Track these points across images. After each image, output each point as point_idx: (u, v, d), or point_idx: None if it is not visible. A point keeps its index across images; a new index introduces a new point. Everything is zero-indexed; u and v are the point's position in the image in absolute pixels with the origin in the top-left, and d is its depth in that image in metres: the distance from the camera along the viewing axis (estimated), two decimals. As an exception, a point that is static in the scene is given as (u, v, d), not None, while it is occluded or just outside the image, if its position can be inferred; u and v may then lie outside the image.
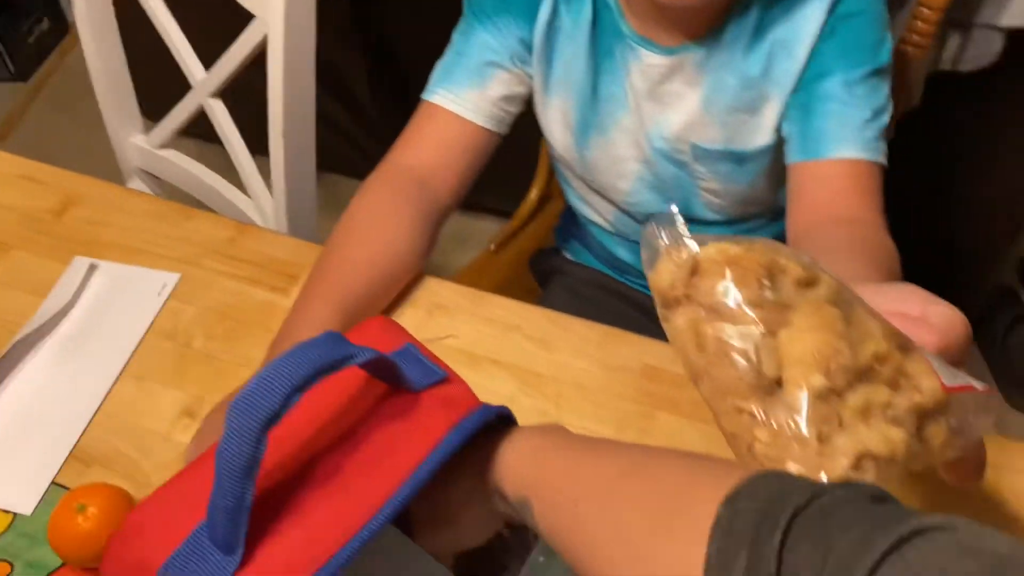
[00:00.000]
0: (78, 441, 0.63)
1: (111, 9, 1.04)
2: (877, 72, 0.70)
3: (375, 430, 0.39)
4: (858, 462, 0.34)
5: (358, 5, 1.37)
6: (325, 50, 1.45)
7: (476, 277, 1.15)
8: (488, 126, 0.77)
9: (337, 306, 0.65)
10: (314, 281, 0.67)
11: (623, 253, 0.92)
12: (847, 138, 0.68)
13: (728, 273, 0.35)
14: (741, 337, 0.34)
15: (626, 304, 0.95)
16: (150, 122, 1.15)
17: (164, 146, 1.13)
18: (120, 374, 0.67)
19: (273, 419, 0.33)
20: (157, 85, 1.17)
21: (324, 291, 0.66)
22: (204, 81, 0.99)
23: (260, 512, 0.35)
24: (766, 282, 0.35)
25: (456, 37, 0.78)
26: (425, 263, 0.74)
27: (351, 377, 0.40)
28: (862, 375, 0.35)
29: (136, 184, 1.17)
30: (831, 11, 0.68)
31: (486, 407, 0.42)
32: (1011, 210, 1.33)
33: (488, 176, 1.21)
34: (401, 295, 0.72)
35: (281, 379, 0.33)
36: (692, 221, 0.83)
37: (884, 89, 0.70)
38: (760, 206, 0.83)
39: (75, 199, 0.80)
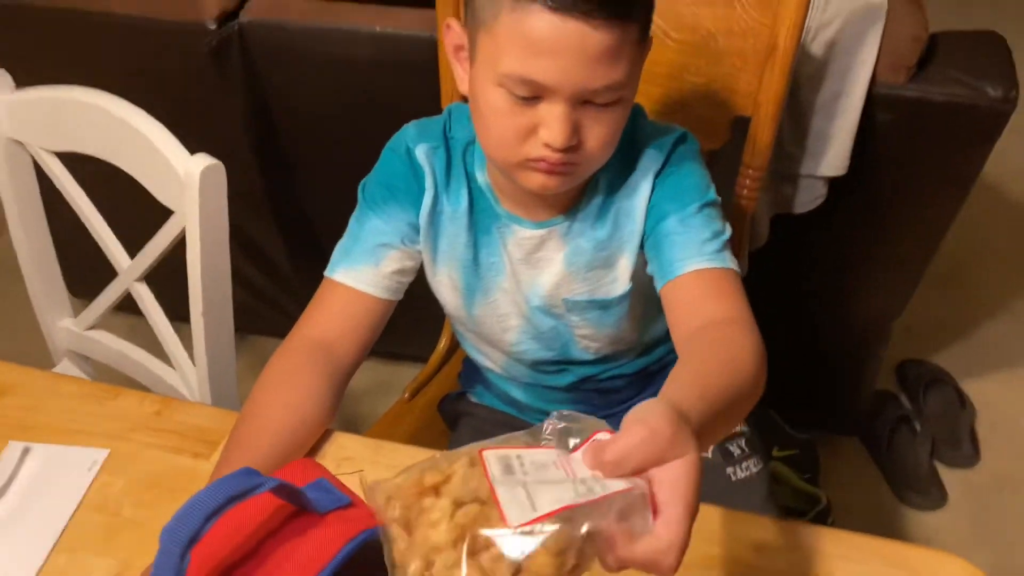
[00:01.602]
0: (14, 615, 0.69)
1: (39, 202, 1.14)
2: (706, 205, 0.82)
3: (280, 545, 0.48)
4: None
5: (269, 180, 1.50)
6: (243, 221, 1.58)
7: (393, 424, 1.23)
8: (384, 296, 0.88)
9: (254, 467, 0.73)
10: (229, 449, 0.76)
11: (517, 393, 1.03)
12: (692, 255, 0.79)
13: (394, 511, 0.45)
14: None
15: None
16: (78, 300, 1.24)
17: (93, 327, 1.21)
18: (53, 548, 0.73)
19: (194, 538, 0.42)
20: (83, 265, 1.26)
21: (238, 458, 0.74)
22: (129, 268, 1.09)
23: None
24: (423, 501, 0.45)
25: (352, 223, 0.90)
26: (333, 420, 0.83)
27: (267, 504, 0.49)
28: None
29: (65, 365, 1.24)
30: (656, 176, 0.83)
31: (380, 525, 0.51)
32: (876, 320, 1.49)
33: (406, 326, 1.33)
34: (312, 450, 0.80)
35: (200, 506, 0.42)
36: (572, 363, 0.96)
37: (717, 218, 0.83)
38: (628, 343, 0.96)
39: (7, 388, 0.88)
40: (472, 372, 1.11)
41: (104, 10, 1.32)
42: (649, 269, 0.85)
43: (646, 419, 0.48)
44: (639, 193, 0.83)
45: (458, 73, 0.79)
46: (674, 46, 1.03)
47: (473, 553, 0.43)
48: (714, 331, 0.73)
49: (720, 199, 0.85)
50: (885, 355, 1.68)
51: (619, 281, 0.87)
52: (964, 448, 1.69)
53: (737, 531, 0.73)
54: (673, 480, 0.46)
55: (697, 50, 1.02)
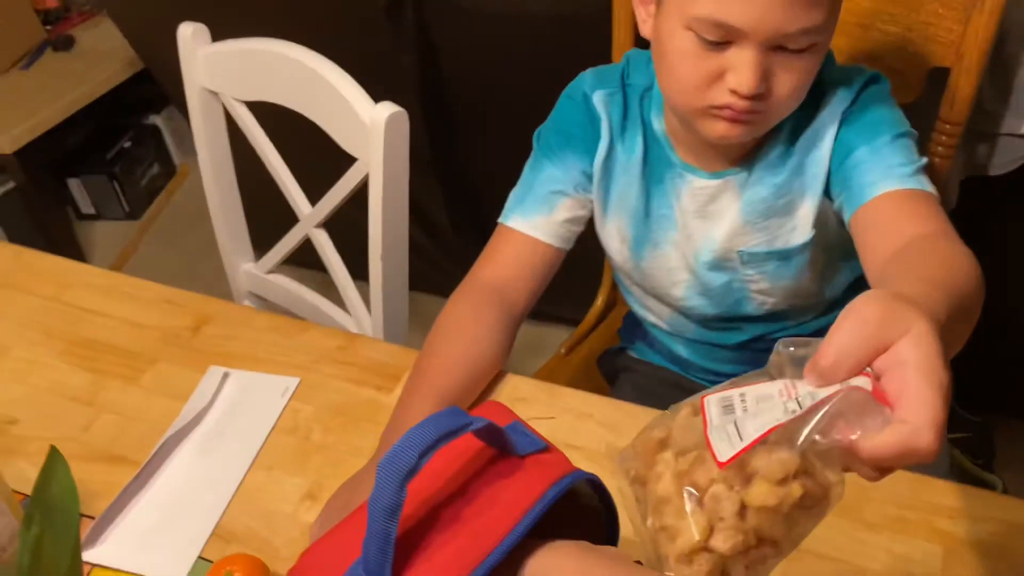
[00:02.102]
0: (219, 522, 0.74)
1: (229, 150, 1.22)
2: (899, 136, 0.77)
3: (488, 486, 0.49)
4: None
5: (435, 137, 1.54)
6: (411, 186, 1.63)
7: (548, 378, 1.24)
8: (556, 244, 0.89)
9: (435, 400, 0.76)
10: (414, 380, 0.79)
11: (681, 350, 1.01)
12: (884, 178, 0.74)
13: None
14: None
15: (688, 395, 1.03)
16: (257, 250, 1.31)
17: (271, 272, 1.29)
18: (251, 465, 0.79)
19: (411, 473, 0.44)
20: (265, 213, 1.34)
21: (423, 388, 0.77)
22: (311, 214, 1.14)
23: (400, 550, 0.45)
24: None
25: (527, 170, 0.91)
26: (506, 361, 0.85)
27: (470, 444, 0.50)
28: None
29: (247, 305, 1.32)
30: (844, 115, 0.79)
31: (579, 471, 0.51)
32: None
33: (559, 288, 1.33)
34: (486, 390, 0.82)
35: (416, 442, 0.44)
36: (744, 319, 0.93)
37: (911, 147, 0.77)
38: (808, 298, 0.92)
39: (207, 318, 0.94)
40: (634, 328, 1.10)
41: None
42: (836, 206, 0.81)
43: (850, 309, 0.43)
44: (825, 135, 0.80)
45: (640, 15, 0.78)
46: (871, -11, 0.98)
47: (697, 499, 0.42)
48: (920, 244, 0.66)
49: (917, 133, 0.79)
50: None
51: (800, 228, 0.84)
52: None
53: (928, 497, 0.69)
54: (902, 361, 0.40)
55: (894, -3, 0.97)
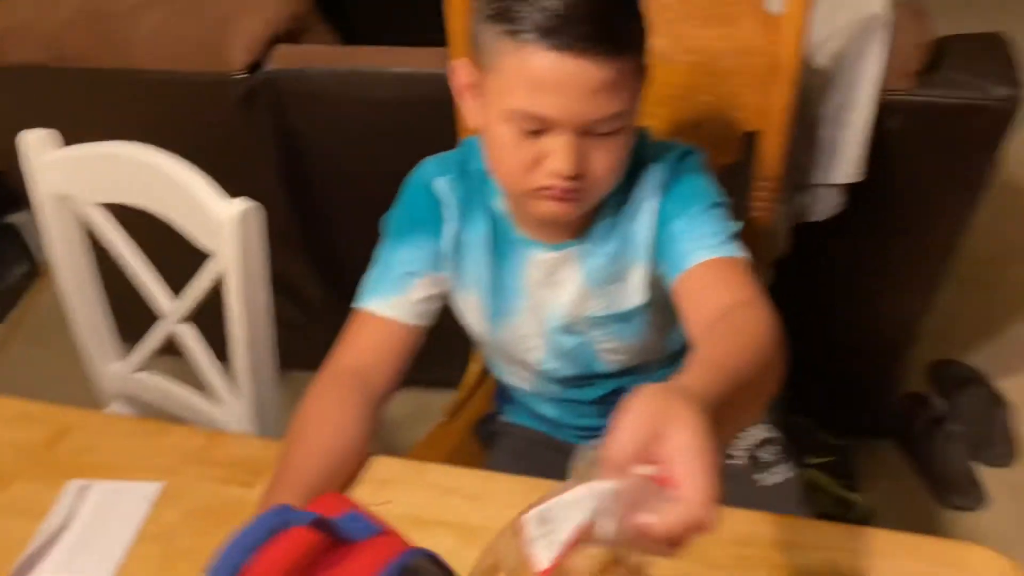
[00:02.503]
0: (82, 642, 0.73)
1: (87, 253, 1.20)
2: (712, 206, 0.85)
3: (323, 573, 0.51)
4: None
5: (301, 219, 1.56)
6: (277, 261, 1.63)
7: (432, 447, 1.27)
8: (413, 323, 0.92)
9: (298, 492, 0.77)
10: (279, 473, 0.80)
11: (548, 411, 1.06)
12: (699, 247, 0.82)
13: None
14: None
15: (559, 455, 1.07)
16: (125, 344, 1.29)
17: (140, 369, 1.27)
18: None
19: (236, 573, 0.46)
20: (129, 311, 1.32)
21: (286, 480, 0.78)
22: (172, 311, 1.14)
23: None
24: None
25: (379, 254, 0.94)
26: (372, 445, 0.87)
27: (303, 538, 0.52)
28: None
29: (116, 407, 1.29)
30: (663, 188, 0.86)
31: (412, 550, 0.54)
32: (902, 321, 1.50)
33: (442, 353, 1.36)
34: (351, 475, 0.84)
35: (239, 542, 0.46)
36: (597, 377, 0.99)
37: (724, 215, 0.85)
38: (653, 353, 0.98)
39: (65, 429, 0.93)
40: (504, 392, 1.14)
41: (136, 67, 1.39)
42: (659, 270, 0.88)
43: (626, 406, 0.49)
44: (646, 207, 0.87)
45: (466, 109, 0.84)
46: (683, 67, 1.07)
47: None
48: (727, 317, 0.73)
49: (729, 201, 0.87)
50: (915, 356, 1.68)
51: (635, 292, 0.90)
52: (1000, 446, 1.69)
53: (768, 532, 0.75)
54: (677, 446, 0.47)
55: (705, 70, 1.06)
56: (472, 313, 0.96)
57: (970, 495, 1.61)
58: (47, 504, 0.84)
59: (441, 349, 1.49)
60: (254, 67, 1.35)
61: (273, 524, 0.47)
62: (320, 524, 0.51)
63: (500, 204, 0.91)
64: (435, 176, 0.92)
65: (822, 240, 1.30)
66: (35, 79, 1.45)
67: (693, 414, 0.48)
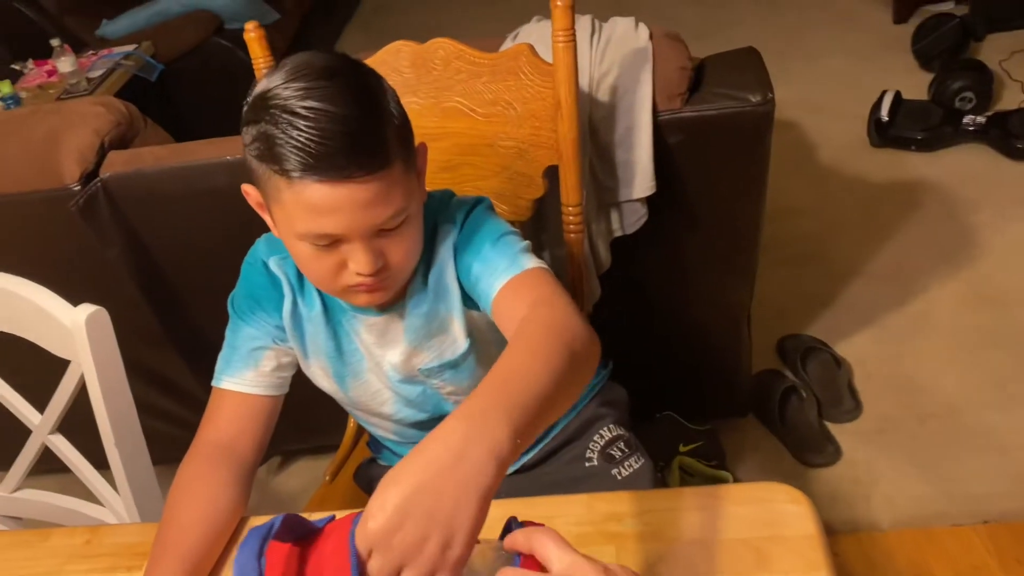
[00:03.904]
0: None
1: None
2: (498, 238, 0.92)
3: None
4: None
5: (162, 313, 1.60)
6: (146, 356, 1.66)
7: (320, 507, 1.33)
8: (269, 393, 0.99)
9: (178, 565, 0.83)
10: (157, 549, 0.85)
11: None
12: (495, 280, 0.89)
13: None
14: None
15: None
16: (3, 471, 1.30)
17: (19, 488, 1.28)
18: None
19: None
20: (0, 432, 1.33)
21: (166, 556, 0.84)
22: (41, 422, 1.17)
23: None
24: None
25: (228, 334, 1.01)
26: (245, 510, 0.93)
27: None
28: None
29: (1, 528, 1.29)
30: (455, 244, 0.95)
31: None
32: (731, 309, 1.65)
33: (325, 418, 1.42)
34: (230, 541, 0.90)
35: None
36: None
37: (511, 240, 0.92)
38: None
39: (-55, 555, 0.95)
40: (376, 442, 1.22)
41: (-29, 195, 1.41)
42: (471, 308, 0.97)
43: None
44: (447, 265, 0.95)
45: (268, 221, 0.89)
46: (482, 120, 1.20)
47: None
48: (523, 324, 0.79)
49: (517, 230, 0.95)
50: (761, 338, 1.86)
51: (458, 340, 0.99)
52: (846, 403, 1.87)
53: (603, 510, 0.85)
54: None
55: (502, 118, 1.19)
56: (321, 378, 1.04)
57: (826, 451, 1.78)
58: (-66, 629, 0.87)
59: (324, 416, 1.56)
60: (89, 177, 1.41)
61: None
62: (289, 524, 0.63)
63: None
64: (268, 255, 0.99)
65: (638, 251, 1.44)
66: None
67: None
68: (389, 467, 1.19)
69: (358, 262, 0.83)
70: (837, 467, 1.77)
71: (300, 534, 0.68)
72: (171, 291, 1.55)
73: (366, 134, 0.77)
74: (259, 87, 0.79)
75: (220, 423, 0.97)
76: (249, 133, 0.79)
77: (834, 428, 1.83)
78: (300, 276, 0.99)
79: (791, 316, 2.11)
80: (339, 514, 0.69)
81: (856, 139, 2.69)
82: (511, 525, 0.67)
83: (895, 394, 1.89)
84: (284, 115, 0.75)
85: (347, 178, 0.77)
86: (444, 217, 0.97)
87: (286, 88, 0.76)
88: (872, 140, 2.66)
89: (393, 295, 0.93)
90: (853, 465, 1.76)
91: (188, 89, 3.16)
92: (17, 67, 2.96)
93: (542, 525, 0.67)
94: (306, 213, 0.79)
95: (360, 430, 1.43)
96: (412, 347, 0.99)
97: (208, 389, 1.74)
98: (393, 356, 1.00)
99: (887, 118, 2.62)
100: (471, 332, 0.99)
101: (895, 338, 2.03)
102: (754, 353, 1.80)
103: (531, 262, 0.90)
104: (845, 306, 2.14)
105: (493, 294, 0.90)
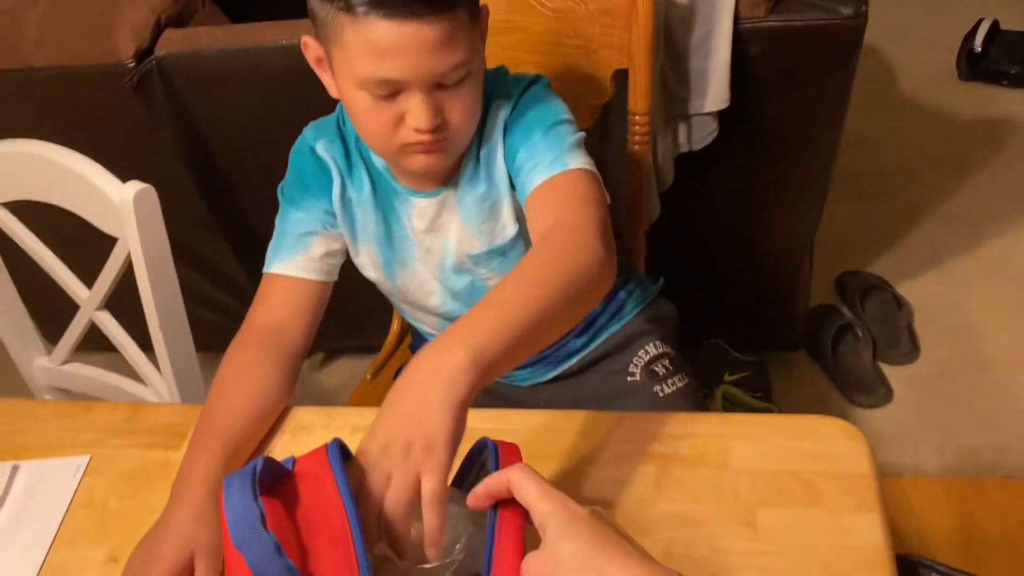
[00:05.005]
0: (25, 605, 0.78)
1: (-1, 259, 1.23)
2: (552, 126, 0.89)
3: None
4: None
5: (211, 199, 1.58)
6: (194, 242, 1.66)
7: (359, 404, 1.33)
8: (319, 278, 0.97)
9: (220, 448, 0.82)
10: (199, 431, 0.85)
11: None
12: (535, 173, 0.87)
13: None
14: None
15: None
16: (50, 344, 1.32)
17: (67, 362, 1.30)
18: (51, 546, 0.83)
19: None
20: (50, 307, 1.35)
21: (208, 438, 0.83)
22: (89, 298, 1.17)
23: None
24: None
25: (278, 221, 0.99)
26: (290, 399, 0.92)
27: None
28: None
29: (47, 399, 1.32)
30: (505, 123, 0.92)
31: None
32: (794, 237, 1.59)
33: (369, 318, 1.41)
34: (270, 427, 0.89)
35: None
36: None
37: (564, 131, 0.89)
38: None
39: (-8, 418, 0.97)
40: (419, 341, 1.20)
41: (27, 66, 1.40)
42: (519, 199, 0.93)
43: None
44: (497, 145, 0.93)
45: (325, 80, 0.88)
46: (550, 15, 1.12)
47: None
48: (537, 246, 0.80)
49: (572, 118, 0.92)
50: (821, 270, 1.79)
51: (507, 226, 0.96)
52: (904, 345, 1.81)
53: (645, 428, 0.82)
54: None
55: (571, 15, 1.12)
56: (370, 267, 1.02)
57: (877, 393, 1.73)
58: (-21, 487, 0.88)
59: (368, 316, 1.55)
60: (144, 54, 1.37)
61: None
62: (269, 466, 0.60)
63: (379, 159, 0.96)
64: (315, 140, 0.96)
65: (704, 169, 1.37)
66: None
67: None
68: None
69: (417, 115, 0.80)
70: (887, 409, 1.72)
71: (276, 477, 0.63)
72: (221, 176, 1.53)
73: None
74: None
75: (269, 307, 0.95)
76: None
77: (888, 370, 1.77)
78: (348, 158, 0.96)
79: (855, 251, 2.03)
80: (297, 455, 0.66)
81: (944, 70, 2.53)
82: (485, 443, 0.67)
83: (956, 341, 1.82)
84: None
85: (412, 15, 0.75)
86: (499, 92, 0.93)
87: None
88: (961, 72, 2.50)
89: (449, 164, 0.90)
90: (904, 409, 1.71)
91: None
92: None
93: (514, 445, 0.66)
94: (368, 54, 0.77)
95: (404, 330, 1.42)
96: (464, 231, 0.96)
97: (254, 279, 1.74)
98: (447, 241, 0.97)
99: (980, 49, 2.45)
100: (519, 217, 0.95)
101: (962, 282, 1.94)
102: (812, 286, 1.73)
103: (575, 160, 0.87)
104: (913, 245, 2.05)
105: (530, 189, 0.87)
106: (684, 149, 1.33)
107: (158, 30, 1.40)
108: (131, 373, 1.24)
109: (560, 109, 0.92)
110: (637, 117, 1.13)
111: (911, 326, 1.86)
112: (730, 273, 1.59)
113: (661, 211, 1.35)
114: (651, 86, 1.10)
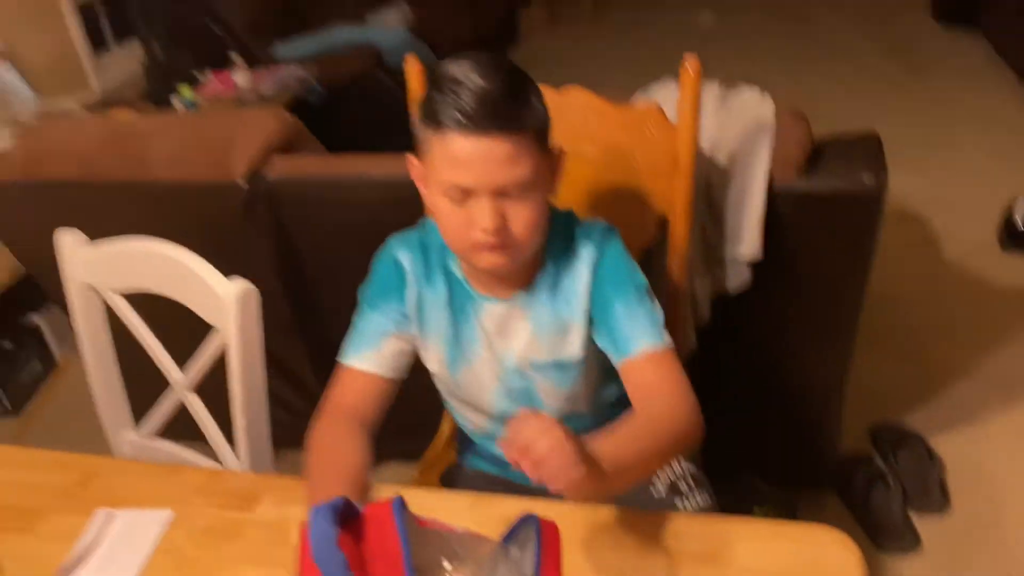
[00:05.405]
0: (107, 632, 0.90)
1: (108, 334, 1.41)
2: (640, 290, 1.06)
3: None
4: None
5: (297, 308, 1.77)
6: (276, 346, 1.83)
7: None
8: (388, 375, 1.11)
9: (345, 482, 0.95)
10: (315, 488, 0.95)
11: (499, 450, 1.23)
12: (639, 337, 1.03)
13: None
14: None
15: (510, 491, 1.25)
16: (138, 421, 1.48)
17: (151, 436, 1.45)
18: (134, 584, 0.95)
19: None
20: (144, 389, 1.51)
21: (323, 487, 0.94)
22: (181, 379, 1.33)
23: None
24: None
25: (356, 320, 1.14)
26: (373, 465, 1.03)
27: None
28: None
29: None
30: (593, 266, 1.07)
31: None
32: (825, 383, 1.68)
33: (415, 427, 1.53)
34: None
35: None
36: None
37: (651, 300, 1.06)
38: (586, 403, 1.17)
39: (93, 473, 1.11)
40: (464, 441, 1.32)
41: (155, 179, 1.63)
42: (600, 344, 1.08)
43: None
44: (580, 276, 1.07)
45: (423, 192, 1.05)
46: (603, 167, 1.31)
47: None
48: (648, 407, 1.00)
49: (647, 281, 1.08)
50: (850, 415, 1.86)
51: (573, 346, 1.10)
52: (934, 496, 1.85)
53: (657, 529, 0.93)
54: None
55: (622, 167, 1.29)
56: (435, 362, 1.15)
57: (905, 539, 1.76)
58: (79, 529, 1.02)
59: (416, 422, 1.68)
60: (254, 176, 1.60)
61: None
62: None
63: (457, 268, 1.11)
64: (398, 249, 1.12)
65: (738, 310, 1.50)
66: (67, 192, 1.69)
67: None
68: (474, 471, 1.32)
69: (482, 217, 0.95)
70: (913, 558, 1.74)
71: (349, 516, 0.76)
72: (307, 287, 1.72)
73: (507, 102, 0.93)
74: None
75: (344, 394, 1.09)
76: (420, 105, 0.96)
77: (917, 520, 1.81)
78: (427, 265, 1.11)
79: (891, 402, 2.10)
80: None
81: (985, 240, 2.66)
82: (529, 518, 0.79)
83: (987, 499, 1.85)
84: (446, 81, 0.93)
85: (484, 132, 0.91)
86: (582, 231, 1.09)
87: (454, 65, 0.95)
88: (1002, 243, 2.62)
89: (513, 266, 1.03)
90: (931, 559, 1.74)
91: (345, 113, 3.43)
92: (198, 75, 3.29)
93: (554, 523, 0.79)
94: (447, 163, 0.94)
95: (451, 436, 1.54)
96: (532, 339, 1.09)
97: (322, 382, 1.90)
98: (514, 345, 1.10)
99: (1021, 224, 2.58)
100: (586, 345, 1.09)
101: (996, 444, 1.99)
102: (847, 434, 1.81)
103: (668, 338, 1.04)
104: (948, 402, 2.11)
105: (631, 351, 1.03)
106: (720, 292, 1.46)
107: (268, 156, 1.63)
108: (207, 452, 1.38)
109: (637, 268, 1.09)
110: (676, 260, 1.28)
111: (943, 479, 1.90)
112: (761, 408, 1.69)
113: (697, 346, 1.48)
114: (690, 233, 1.26)
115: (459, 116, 0.92)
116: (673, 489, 1.19)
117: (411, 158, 1.04)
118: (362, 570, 0.68)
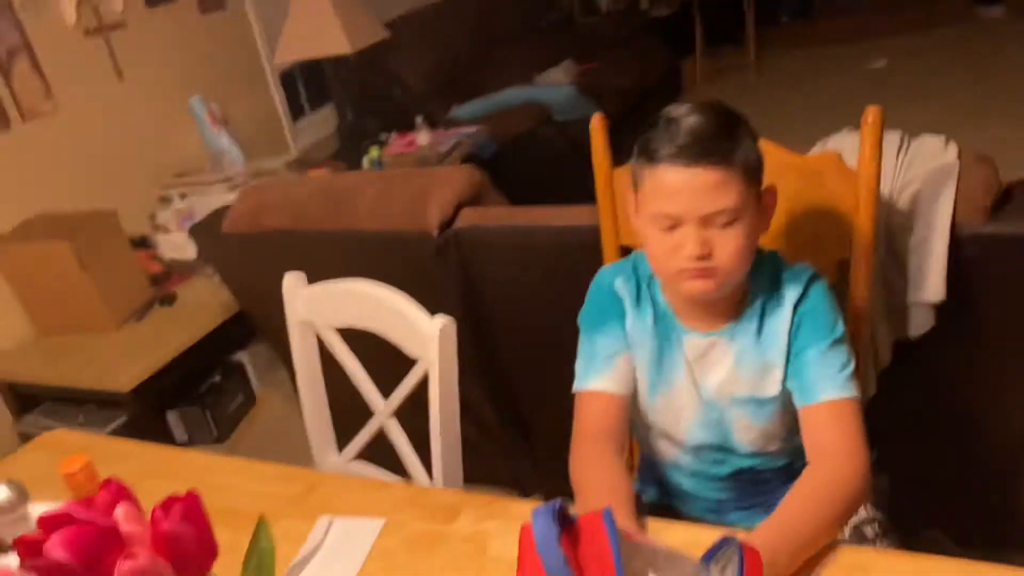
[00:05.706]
0: (333, 622, 1.01)
1: (319, 366, 1.58)
2: (836, 341, 1.09)
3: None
4: None
5: (478, 346, 1.89)
6: (462, 388, 1.96)
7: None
8: (626, 392, 1.17)
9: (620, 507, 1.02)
10: (586, 503, 1.05)
11: (684, 482, 1.27)
12: (826, 385, 1.07)
13: None
14: None
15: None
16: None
17: (353, 459, 1.60)
18: (353, 583, 1.07)
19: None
20: (347, 416, 1.67)
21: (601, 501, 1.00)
22: (384, 406, 1.47)
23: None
24: None
25: (582, 347, 1.21)
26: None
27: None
28: None
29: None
30: (795, 309, 1.11)
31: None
32: (1019, 440, 1.61)
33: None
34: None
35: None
36: (730, 453, 1.21)
37: (846, 351, 1.09)
38: (777, 442, 1.20)
39: (314, 484, 1.25)
40: (646, 471, 1.37)
41: (359, 228, 1.81)
42: (788, 385, 1.12)
43: None
44: (783, 317, 1.12)
45: (633, 224, 1.11)
46: (784, 212, 1.34)
47: None
48: (815, 477, 1.04)
49: (845, 330, 1.11)
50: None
51: (773, 383, 1.13)
52: None
53: (853, 559, 0.94)
54: None
55: (803, 213, 1.33)
56: (638, 383, 1.20)
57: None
58: (305, 533, 1.15)
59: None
60: (445, 226, 1.75)
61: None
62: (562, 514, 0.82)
63: (663, 299, 1.18)
64: (613, 277, 1.20)
65: (920, 355, 1.48)
66: (284, 240, 1.91)
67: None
68: (652, 502, 1.36)
69: (688, 245, 1.02)
70: None
71: (566, 521, 0.84)
72: (489, 329, 1.84)
73: (717, 137, 1.00)
74: None
75: (592, 419, 1.16)
76: (637, 143, 1.05)
77: None
78: (638, 293, 1.18)
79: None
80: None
81: None
82: (730, 540, 0.83)
83: None
84: (664, 120, 1.02)
85: (693, 162, 0.99)
86: (790, 274, 1.13)
87: (674, 107, 1.04)
88: None
89: (717, 294, 1.07)
90: None
91: (516, 167, 3.62)
92: (383, 137, 3.58)
93: (756, 550, 0.82)
94: (658, 193, 1.02)
95: (633, 468, 1.59)
96: (734, 373, 1.14)
97: (499, 419, 2.01)
98: (714, 376, 1.15)
99: None
100: (784, 384, 1.13)
101: None
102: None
103: (855, 390, 1.07)
104: None
105: (815, 397, 1.07)
106: (901, 335, 1.45)
107: (458, 208, 1.78)
108: (401, 473, 1.51)
109: (839, 318, 1.11)
110: (857, 302, 1.29)
111: None
112: (947, 459, 1.64)
113: (877, 390, 1.47)
114: (871, 275, 1.27)
115: (672, 149, 1.00)
116: (858, 535, 1.19)
117: (628, 195, 1.11)
118: (579, 570, 0.76)
